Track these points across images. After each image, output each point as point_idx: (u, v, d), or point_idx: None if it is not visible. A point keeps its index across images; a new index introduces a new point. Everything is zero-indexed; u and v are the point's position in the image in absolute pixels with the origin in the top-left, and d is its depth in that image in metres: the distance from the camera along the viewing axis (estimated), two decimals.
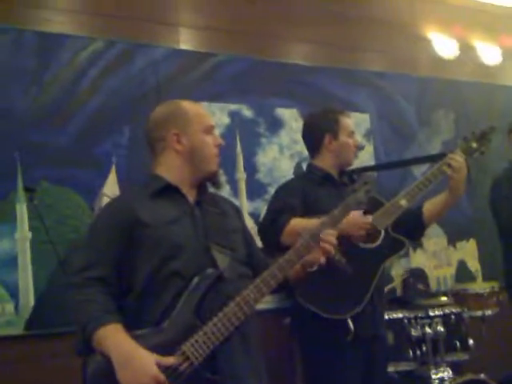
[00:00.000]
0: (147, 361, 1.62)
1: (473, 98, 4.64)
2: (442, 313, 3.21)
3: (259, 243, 2.40)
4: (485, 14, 4.73)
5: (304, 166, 3.22)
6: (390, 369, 3.00)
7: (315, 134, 2.73)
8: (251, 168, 3.63)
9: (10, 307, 2.83)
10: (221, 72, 3.67)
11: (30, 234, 2.92)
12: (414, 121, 4.38)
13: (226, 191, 3.32)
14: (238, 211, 2.12)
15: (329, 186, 2.67)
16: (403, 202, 2.57)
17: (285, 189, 2.74)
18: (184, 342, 1.68)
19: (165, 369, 1.63)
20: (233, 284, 1.81)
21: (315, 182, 2.69)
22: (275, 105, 3.79)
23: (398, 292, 3.61)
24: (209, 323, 1.72)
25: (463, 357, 3.24)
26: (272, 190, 3.12)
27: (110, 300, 1.74)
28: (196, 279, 1.76)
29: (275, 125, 3.78)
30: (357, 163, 2.83)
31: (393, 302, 3.35)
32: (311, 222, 2.09)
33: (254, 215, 3.50)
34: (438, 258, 4.21)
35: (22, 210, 2.92)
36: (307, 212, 2.53)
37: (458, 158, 2.54)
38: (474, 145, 2.64)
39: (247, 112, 3.69)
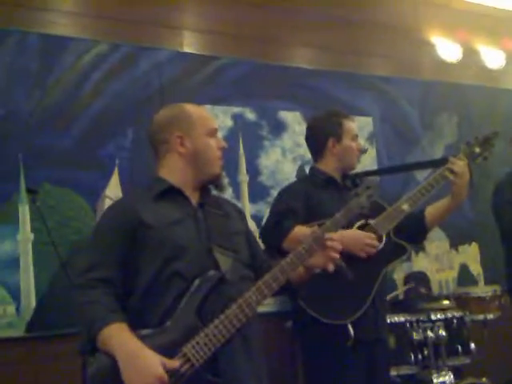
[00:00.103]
0: (153, 361, 1.62)
1: (476, 102, 4.64)
2: (443, 317, 3.21)
3: (261, 245, 2.39)
4: (488, 17, 4.73)
5: (307, 169, 3.22)
6: (392, 373, 3.00)
7: (319, 138, 2.73)
8: (254, 170, 3.64)
9: (11, 309, 2.84)
10: (224, 75, 3.67)
11: (32, 236, 2.93)
12: (418, 124, 4.38)
13: (228, 193, 3.32)
14: (241, 214, 2.12)
15: (331, 190, 2.67)
16: (405, 207, 2.57)
17: (288, 192, 2.73)
18: (185, 343, 1.68)
19: (167, 370, 1.63)
20: (235, 286, 1.81)
21: (318, 185, 2.68)
22: (278, 108, 3.80)
23: (400, 296, 3.60)
24: (210, 325, 1.71)
25: (465, 361, 3.24)
26: (274, 193, 3.12)
27: (114, 301, 1.74)
28: (197, 281, 1.76)
29: (278, 128, 3.78)
30: (359, 166, 2.83)
31: (395, 305, 3.35)
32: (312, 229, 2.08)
33: (257, 218, 3.50)
34: (440, 261, 4.21)
35: (24, 212, 2.93)
36: (310, 215, 2.53)
37: (460, 164, 2.54)
38: (477, 150, 2.64)
39: (250, 115, 3.70)
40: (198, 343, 1.69)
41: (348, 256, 2.29)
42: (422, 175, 3.99)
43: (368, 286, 2.51)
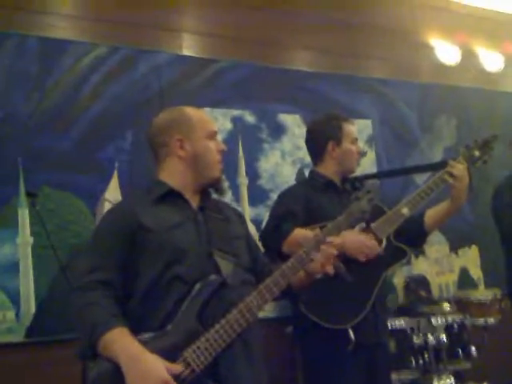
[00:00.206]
0: (157, 365, 1.61)
1: (475, 105, 4.65)
2: (444, 321, 3.20)
3: (261, 249, 2.39)
4: (487, 20, 4.74)
5: (306, 173, 3.22)
6: (393, 377, 2.98)
7: (318, 141, 2.73)
8: (253, 174, 3.63)
9: (10, 314, 2.82)
10: (223, 78, 3.67)
11: (31, 239, 2.91)
12: (416, 127, 4.38)
13: (227, 197, 3.30)
14: (241, 218, 2.12)
15: (331, 193, 2.67)
16: (405, 211, 2.56)
17: (287, 195, 2.73)
18: (186, 347, 1.68)
19: (171, 375, 1.63)
20: (236, 290, 1.80)
21: (317, 188, 2.68)
22: (278, 111, 3.80)
23: (400, 299, 3.60)
24: (211, 330, 1.71)
25: (466, 365, 3.24)
26: (274, 196, 3.12)
27: (114, 303, 1.73)
28: (198, 285, 1.76)
29: (278, 131, 3.78)
30: (359, 169, 2.83)
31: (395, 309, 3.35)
32: (314, 233, 2.08)
33: (256, 221, 3.49)
34: (440, 264, 4.20)
35: (23, 215, 2.92)
36: (309, 219, 2.53)
37: (459, 167, 2.53)
38: (477, 153, 2.64)
39: (250, 118, 3.69)
40: (198, 348, 1.68)
41: (348, 260, 2.28)
42: (421, 179, 3.99)
43: (368, 291, 2.51)
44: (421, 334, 3.12)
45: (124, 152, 3.26)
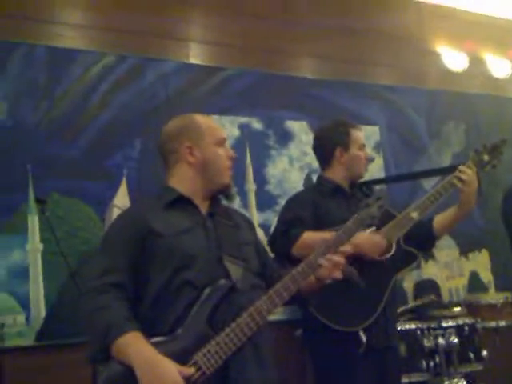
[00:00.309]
0: (170, 369, 1.61)
1: (483, 110, 4.64)
2: (455, 324, 3.19)
3: (270, 254, 2.39)
4: (495, 27, 4.75)
5: (314, 178, 3.22)
6: (404, 380, 2.97)
7: (326, 147, 2.73)
8: (261, 180, 3.64)
9: (21, 318, 2.84)
10: (230, 86, 3.69)
11: (41, 246, 2.93)
12: (424, 133, 4.38)
13: (235, 203, 3.30)
14: (250, 224, 2.12)
15: (339, 199, 2.67)
16: (414, 215, 2.56)
17: (295, 200, 2.73)
18: (196, 351, 1.68)
19: (183, 378, 1.62)
20: (245, 295, 1.80)
21: (325, 194, 2.68)
22: (285, 117, 3.81)
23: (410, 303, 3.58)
24: (221, 333, 1.71)
25: (477, 368, 3.21)
26: (282, 202, 3.12)
27: (127, 306, 1.73)
28: (208, 290, 1.76)
29: (285, 137, 3.79)
30: (366, 176, 2.83)
31: (405, 313, 3.33)
32: (323, 236, 2.08)
33: (264, 227, 3.49)
34: (450, 268, 4.18)
35: (33, 222, 2.94)
36: (318, 224, 2.53)
37: (468, 172, 2.52)
38: (486, 157, 2.63)
39: (257, 124, 3.71)
40: (209, 351, 1.68)
41: (359, 263, 2.28)
42: (429, 184, 3.98)
43: (379, 294, 2.50)
44: (431, 338, 3.10)
45: (132, 159, 3.27)
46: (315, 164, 2.94)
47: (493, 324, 3.32)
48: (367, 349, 2.41)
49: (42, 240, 2.93)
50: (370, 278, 2.38)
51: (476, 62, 4.67)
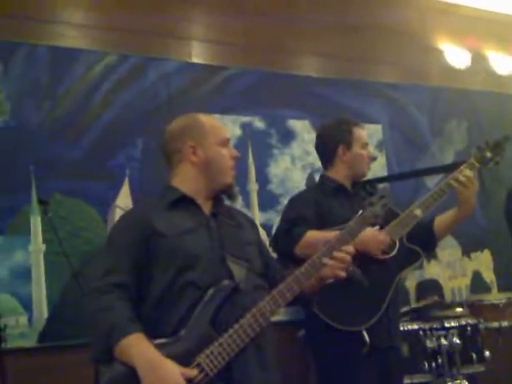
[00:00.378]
0: (173, 370, 1.61)
1: (485, 108, 4.64)
2: (457, 324, 3.18)
3: (273, 254, 2.39)
4: (497, 24, 4.73)
5: (316, 177, 3.21)
6: (406, 381, 2.97)
7: (329, 146, 2.73)
8: (263, 179, 3.64)
9: (23, 319, 2.84)
10: (232, 85, 3.69)
11: (43, 247, 2.94)
12: (427, 131, 4.38)
13: (238, 202, 3.31)
14: (253, 224, 2.11)
15: (341, 197, 2.66)
16: (418, 212, 2.55)
17: (298, 200, 2.73)
18: (199, 352, 1.67)
19: (186, 379, 1.62)
20: (248, 296, 1.80)
21: (328, 193, 2.67)
22: (287, 116, 3.81)
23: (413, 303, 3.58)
24: (224, 334, 1.70)
25: (480, 368, 3.20)
26: (284, 201, 3.12)
27: (130, 306, 1.73)
28: (211, 290, 1.75)
29: (287, 136, 3.79)
30: (369, 174, 2.82)
31: (408, 313, 3.32)
32: (326, 235, 2.07)
33: (267, 226, 3.49)
34: (452, 268, 4.18)
35: (36, 223, 2.95)
36: (320, 223, 2.52)
37: (466, 173, 2.50)
38: (489, 154, 2.62)
39: (259, 124, 3.70)
40: (212, 353, 1.68)
41: (362, 262, 2.28)
42: (432, 182, 3.97)
43: (382, 293, 2.49)
44: (434, 338, 3.10)
45: (135, 160, 3.28)
46: (318, 163, 2.94)
47: (495, 324, 3.31)
48: (370, 348, 2.41)
49: (45, 241, 2.94)
50: (374, 277, 2.37)
51: (478, 58, 4.66)
